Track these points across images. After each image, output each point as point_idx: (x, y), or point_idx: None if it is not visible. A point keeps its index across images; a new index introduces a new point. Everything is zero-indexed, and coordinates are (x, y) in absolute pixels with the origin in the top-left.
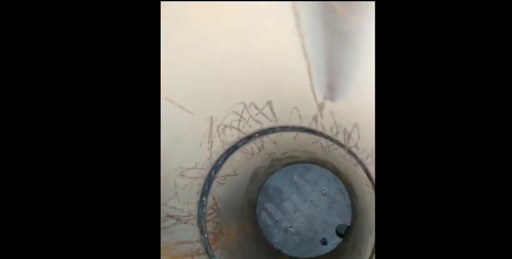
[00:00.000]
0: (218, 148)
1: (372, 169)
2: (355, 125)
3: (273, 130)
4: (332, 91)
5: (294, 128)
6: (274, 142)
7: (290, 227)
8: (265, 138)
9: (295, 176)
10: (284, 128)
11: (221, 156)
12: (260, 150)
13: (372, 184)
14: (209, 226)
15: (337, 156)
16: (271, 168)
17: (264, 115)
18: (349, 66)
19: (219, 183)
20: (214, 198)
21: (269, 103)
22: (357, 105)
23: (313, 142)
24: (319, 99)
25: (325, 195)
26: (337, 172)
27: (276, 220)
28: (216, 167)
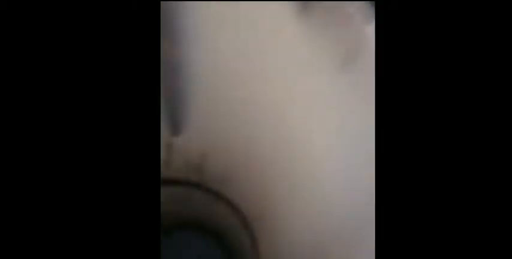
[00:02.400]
0: None
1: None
2: (203, 155)
3: None
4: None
5: None
6: None
7: None
8: None
9: None
10: None
11: None
12: None
13: (248, 231)
14: None
15: (202, 206)
16: None
17: None
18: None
19: None
20: None
21: None
22: (202, 133)
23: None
24: (166, 139)
25: None
26: (214, 234)
27: None
28: None
